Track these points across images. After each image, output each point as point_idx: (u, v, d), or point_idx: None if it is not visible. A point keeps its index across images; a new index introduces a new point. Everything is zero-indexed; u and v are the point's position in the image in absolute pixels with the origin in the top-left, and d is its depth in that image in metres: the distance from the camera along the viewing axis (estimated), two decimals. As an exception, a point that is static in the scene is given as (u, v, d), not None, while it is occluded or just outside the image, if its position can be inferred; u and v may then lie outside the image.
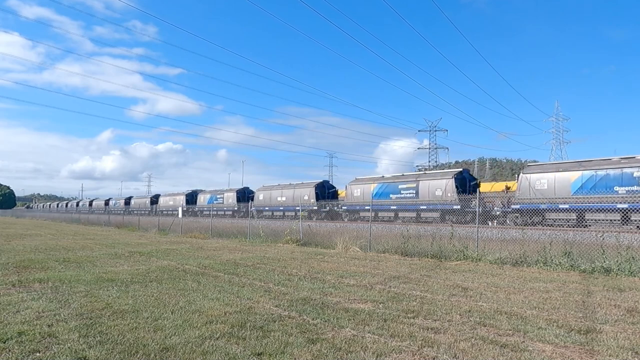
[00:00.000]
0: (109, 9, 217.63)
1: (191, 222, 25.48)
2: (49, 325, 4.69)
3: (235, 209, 44.45)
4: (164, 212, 52.83)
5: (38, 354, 3.86)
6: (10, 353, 3.86)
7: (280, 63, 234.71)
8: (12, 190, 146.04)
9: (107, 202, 70.67)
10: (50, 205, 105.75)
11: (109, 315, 5.15)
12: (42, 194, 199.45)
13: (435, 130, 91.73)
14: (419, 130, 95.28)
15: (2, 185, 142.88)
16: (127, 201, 65.83)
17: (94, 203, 78.61)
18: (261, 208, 41.57)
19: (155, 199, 58.56)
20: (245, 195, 46.12)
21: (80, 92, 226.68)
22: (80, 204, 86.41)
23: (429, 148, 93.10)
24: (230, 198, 46.71)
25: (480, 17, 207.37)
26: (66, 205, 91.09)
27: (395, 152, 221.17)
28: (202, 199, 50.84)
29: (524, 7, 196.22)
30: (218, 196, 48.66)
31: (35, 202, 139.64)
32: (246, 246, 15.25)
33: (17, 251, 12.65)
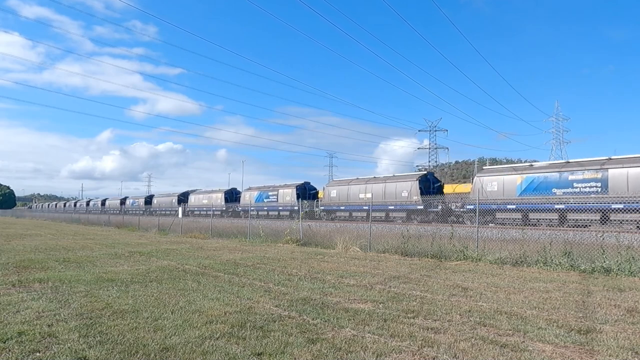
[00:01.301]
0: (109, 9, 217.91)
1: (191, 222, 25.48)
2: (49, 325, 4.69)
3: (295, 208, 36.51)
4: (195, 212, 45.71)
5: (38, 354, 3.86)
6: (10, 353, 3.86)
7: (280, 63, 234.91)
8: (12, 190, 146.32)
9: (122, 202, 64.54)
10: (56, 205, 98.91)
11: (109, 315, 5.15)
12: (42, 194, 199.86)
13: (435, 130, 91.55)
14: (419, 130, 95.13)
15: (2, 185, 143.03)
16: (148, 200, 59.30)
17: (107, 202, 71.95)
18: (334, 207, 33.70)
19: (183, 197, 52.42)
20: (306, 191, 39.15)
21: (80, 92, 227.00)
22: (92, 203, 79.88)
23: (429, 148, 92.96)
24: (288, 195, 38.94)
25: (480, 17, 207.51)
26: (75, 205, 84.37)
27: (395, 152, 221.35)
28: (247, 197, 43.70)
29: (524, 7, 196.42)
30: (270, 193, 41.25)
31: (35, 202, 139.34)
32: (246, 246, 15.25)
33: (17, 251, 12.65)
